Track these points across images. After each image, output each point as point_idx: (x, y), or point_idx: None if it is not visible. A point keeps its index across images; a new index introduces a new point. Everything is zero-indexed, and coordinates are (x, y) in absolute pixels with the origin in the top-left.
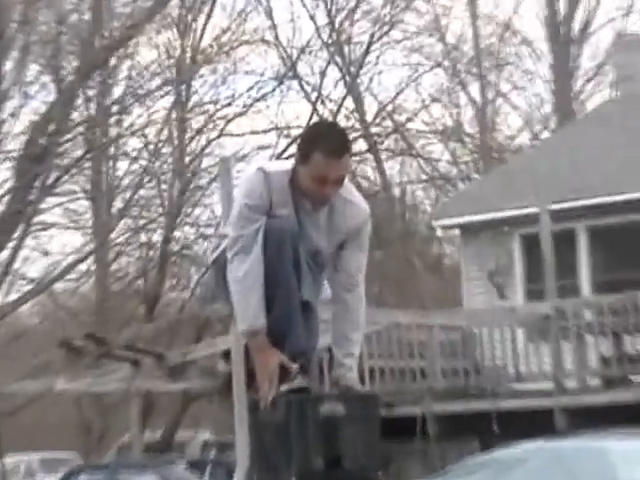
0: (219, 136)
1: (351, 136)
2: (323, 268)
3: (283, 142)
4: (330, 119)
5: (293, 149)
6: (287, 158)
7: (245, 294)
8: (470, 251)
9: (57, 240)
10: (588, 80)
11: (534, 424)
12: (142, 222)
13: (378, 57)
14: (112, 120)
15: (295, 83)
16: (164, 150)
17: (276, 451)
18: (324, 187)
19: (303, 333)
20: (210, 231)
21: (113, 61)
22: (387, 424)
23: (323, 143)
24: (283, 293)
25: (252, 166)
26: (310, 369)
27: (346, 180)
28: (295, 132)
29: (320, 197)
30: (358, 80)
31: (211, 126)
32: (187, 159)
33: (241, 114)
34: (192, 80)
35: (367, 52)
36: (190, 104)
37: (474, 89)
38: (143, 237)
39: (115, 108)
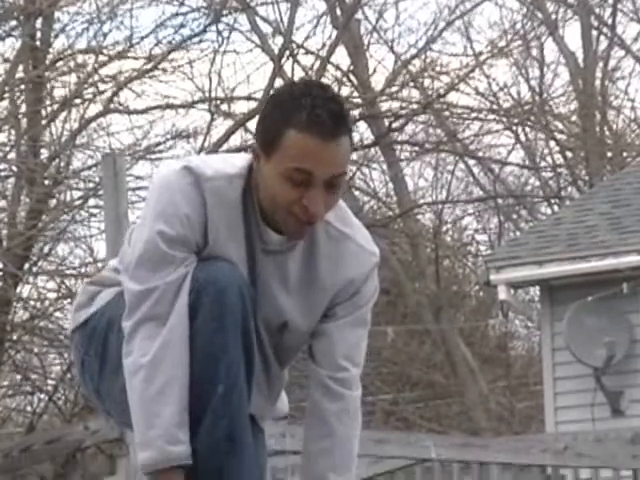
0: (104, 113)
1: None
2: (288, 358)
3: (222, 125)
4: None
5: (239, 138)
6: (235, 151)
7: (154, 395)
8: (560, 329)
9: None
10: None
11: None
12: None
13: None
14: None
15: (243, 19)
16: (1, 137)
17: None
18: (307, 193)
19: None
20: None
21: None
22: None
23: (302, 114)
24: (223, 394)
25: (173, 163)
26: None
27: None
28: (243, 107)
29: (300, 214)
30: (358, 14)
31: (89, 94)
32: (44, 155)
33: (145, 73)
34: (54, 10)
35: None
36: (50, 55)
37: (571, 33)
38: None
39: None
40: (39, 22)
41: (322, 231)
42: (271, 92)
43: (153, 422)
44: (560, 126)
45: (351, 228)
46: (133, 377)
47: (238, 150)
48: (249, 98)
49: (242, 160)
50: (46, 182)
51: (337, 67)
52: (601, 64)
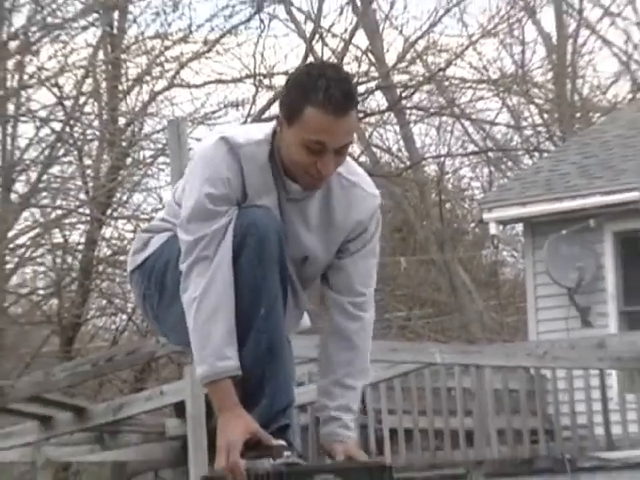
0: (169, 87)
1: (364, 87)
2: (309, 284)
3: (264, 96)
4: (331, 61)
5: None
6: (269, 120)
7: (205, 321)
8: (540, 257)
9: None
10: None
11: None
12: (55, 214)
13: None
14: (10, 63)
15: (281, 9)
16: (87, 108)
17: None
18: (320, 159)
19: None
20: None
21: None
22: None
23: (319, 94)
24: (264, 317)
25: (211, 135)
26: (294, 433)
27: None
28: (281, 82)
29: (313, 174)
30: (374, 4)
31: (157, 73)
32: (122, 121)
33: (201, 55)
34: (128, 4)
35: None
36: (126, 40)
37: (547, 18)
38: (57, 236)
39: (15, 45)
40: (116, 14)
41: (335, 181)
42: (297, 69)
43: (205, 343)
44: (538, 93)
45: (358, 177)
46: (189, 308)
47: (272, 119)
48: (286, 73)
49: (266, 127)
50: (123, 144)
51: (357, 47)
52: (571, 41)
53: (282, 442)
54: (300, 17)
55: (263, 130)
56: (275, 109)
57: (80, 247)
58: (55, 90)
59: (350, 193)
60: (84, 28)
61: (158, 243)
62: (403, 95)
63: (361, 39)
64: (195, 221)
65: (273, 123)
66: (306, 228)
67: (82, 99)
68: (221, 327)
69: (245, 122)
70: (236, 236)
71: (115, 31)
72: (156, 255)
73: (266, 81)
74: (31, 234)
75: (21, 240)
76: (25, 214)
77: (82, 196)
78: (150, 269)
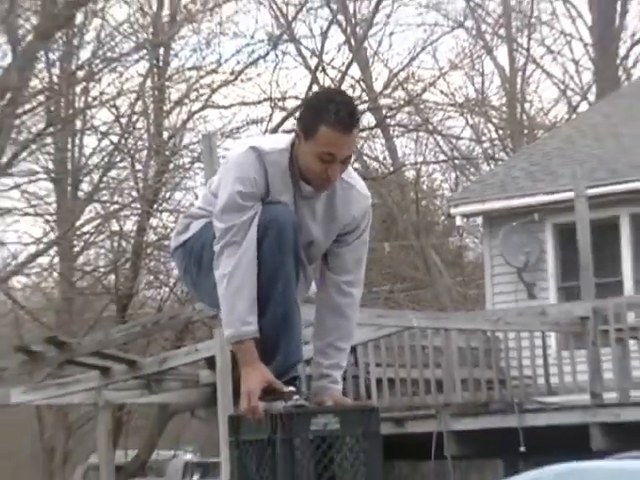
0: (202, 108)
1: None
2: (313, 261)
3: (278, 115)
4: (339, 88)
5: (289, 123)
6: (287, 132)
7: (232, 294)
8: (495, 243)
9: (14, 228)
10: (635, 43)
11: (567, 443)
12: (113, 208)
13: (389, 16)
14: (78, 89)
15: (291, 47)
16: (139, 124)
17: (260, 474)
18: (329, 167)
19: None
20: None
21: (79, 19)
22: (397, 443)
23: (330, 115)
24: (281, 292)
25: (242, 144)
26: (301, 382)
27: None
28: (291, 104)
29: (324, 179)
30: (365, 43)
31: (193, 96)
32: (165, 135)
33: (228, 82)
34: (171, 42)
35: (376, 10)
36: (169, 71)
37: (501, 54)
38: (114, 225)
39: (81, 74)
40: (161, 50)
41: (338, 184)
42: (309, 95)
43: (232, 311)
44: (495, 114)
45: (354, 180)
46: (220, 283)
47: (289, 132)
48: (296, 97)
49: (287, 138)
50: (167, 153)
51: (352, 77)
52: (520, 73)
53: (292, 389)
54: (307, 53)
55: (284, 141)
56: (287, 125)
57: (132, 234)
58: (113, 110)
59: (348, 194)
60: (136, 61)
61: (197, 227)
62: (388, 115)
63: (355, 71)
64: (227, 212)
65: (292, 135)
66: (313, 220)
67: (134, 117)
68: (245, 299)
69: (263, 135)
70: (260, 227)
71: (161, 63)
72: (195, 237)
73: (280, 103)
74: (94, 223)
75: (86, 228)
76: (89, 208)
77: (134, 194)
78: (190, 248)
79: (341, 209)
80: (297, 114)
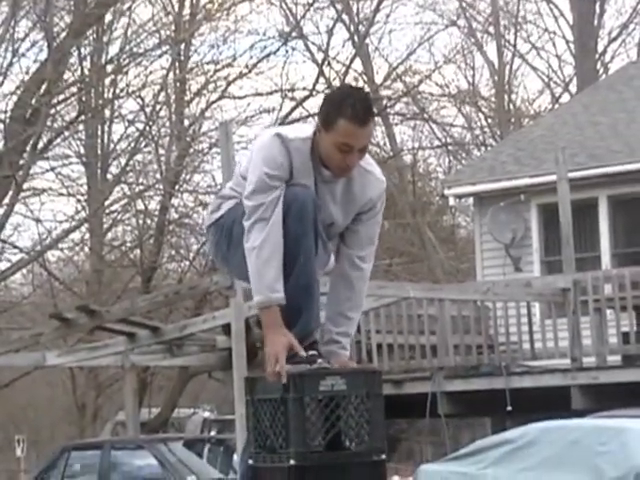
0: (220, 98)
1: None
2: (332, 237)
3: (287, 105)
4: (339, 81)
5: (298, 112)
6: (291, 122)
7: (262, 264)
8: (485, 222)
9: (49, 207)
10: (612, 40)
11: (549, 403)
12: (138, 189)
13: (388, 15)
14: (107, 81)
15: (300, 43)
16: (162, 113)
17: (274, 430)
18: (348, 156)
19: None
20: (210, 199)
21: (108, 18)
22: (396, 403)
23: (349, 109)
24: (303, 264)
25: (268, 132)
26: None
27: None
28: (300, 94)
29: (343, 167)
30: (367, 40)
31: (211, 88)
32: (186, 122)
33: (243, 75)
34: (191, 39)
35: (377, 9)
36: (189, 64)
37: (491, 50)
38: (139, 204)
39: (110, 68)
40: (182, 46)
41: (356, 169)
42: (327, 91)
43: (261, 279)
44: (484, 104)
45: (371, 167)
46: (250, 255)
47: (297, 120)
48: (304, 89)
49: (309, 128)
50: (187, 139)
51: (355, 70)
52: (508, 67)
53: (315, 352)
54: (314, 49)
55: (307, 130)
56: (295, 114)
57: (156, 212)
58: (138, 100)
59: (365, 178)
60: (159, 56)
61: (227, 207)
62: (387, 105)
63: (358, 65)
64: (257, 192)
65: (314, 125)
66: (333, 202)
67: (158, 106)
68: (273, 269)
69: (274, 124)
70: (284, 204)
71: (182, 58)
72: (226, 216)
73: (289, 94)
74: (121, 203)
75: (114, 207)
76: (117, 189)
77: (157, 176)
78: (222, 225)
79: (359, 192)
80: (317, 108)
